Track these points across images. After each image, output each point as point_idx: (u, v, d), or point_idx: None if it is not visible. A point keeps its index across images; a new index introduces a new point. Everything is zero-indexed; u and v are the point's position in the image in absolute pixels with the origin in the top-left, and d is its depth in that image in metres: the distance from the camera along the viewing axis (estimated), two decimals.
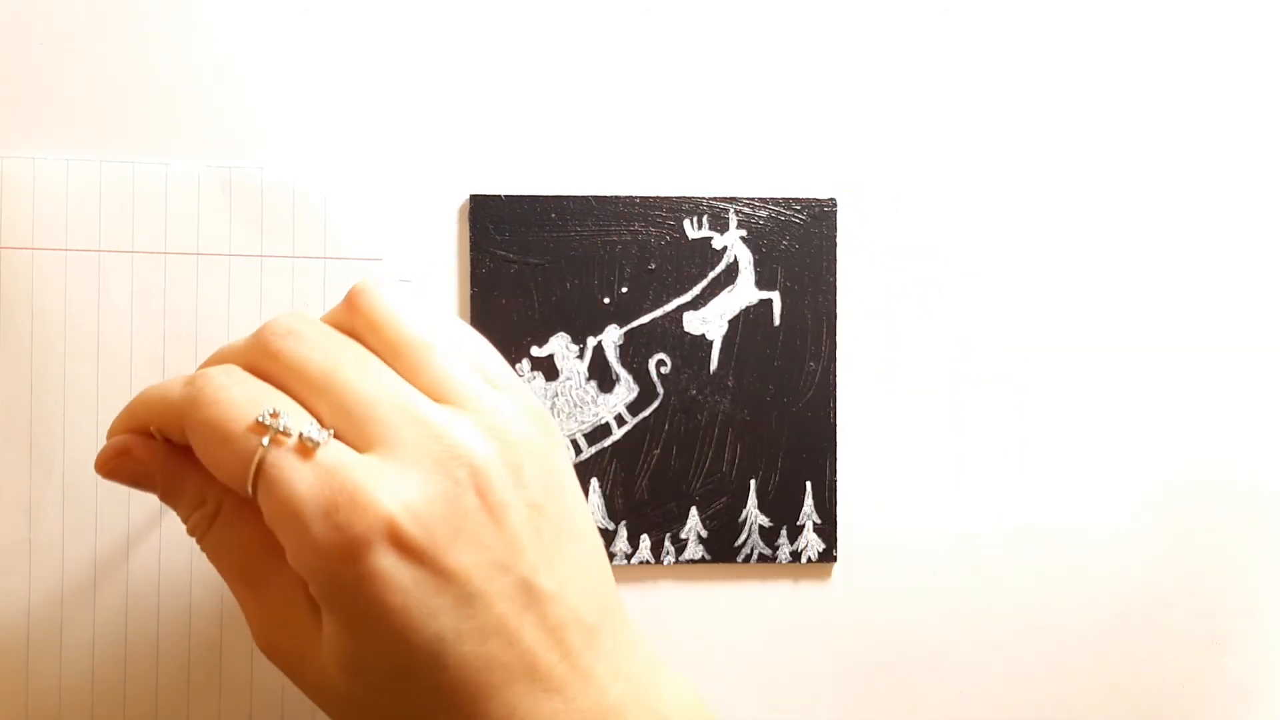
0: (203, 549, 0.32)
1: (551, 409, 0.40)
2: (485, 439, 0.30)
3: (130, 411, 0.32)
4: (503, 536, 0.29)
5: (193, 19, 0.39)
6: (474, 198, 0.39)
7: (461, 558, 0.28)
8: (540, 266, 0.40)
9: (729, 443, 0.40)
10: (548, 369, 0.40)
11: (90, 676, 0.38)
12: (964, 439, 0.41)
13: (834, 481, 0.40)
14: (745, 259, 0.40)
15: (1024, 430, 0.41)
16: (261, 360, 0.31)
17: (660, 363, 0.40)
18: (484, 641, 0.28)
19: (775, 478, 0.40)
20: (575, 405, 0.40)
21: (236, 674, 0.38)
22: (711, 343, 0.40)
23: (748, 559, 0.40)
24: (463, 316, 0.40)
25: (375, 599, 0.28)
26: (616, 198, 0.40)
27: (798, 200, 0.40)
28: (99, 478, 0.32)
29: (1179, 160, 0.42)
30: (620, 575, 0.40)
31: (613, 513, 0.40)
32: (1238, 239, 0.42)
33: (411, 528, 0.28)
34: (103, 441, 0.32)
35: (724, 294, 0.40)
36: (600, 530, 0.40)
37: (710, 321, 0.40)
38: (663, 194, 0.40)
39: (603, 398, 0.40)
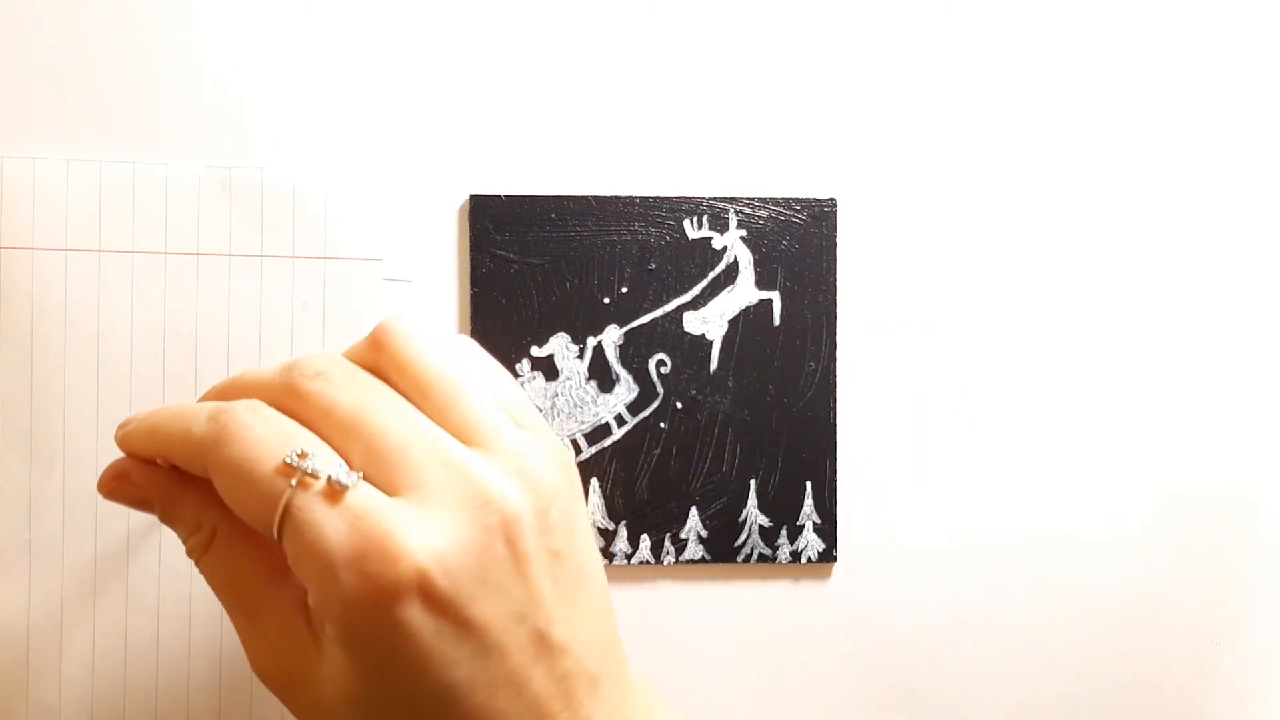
0: (200, 572, 0.32)
1: (551, 409, 0.40)
2: (516, 486, 0.29)
3: (148, 436, 0.31)
4: (525, 587, 0.29)
5: (193, 19, 0.38)
6: (474, 198, 0.39)
7: (484, 609, 0.28)
8: (540, 266, 0.40)
9: (729, 443, 0.40)
10: (548, 369, 0.40)
11: (90, 676, 0.38)
12: (964, 439, 0.41)
13: (834, 482, 0.40)
14: (745, 259, 0.40)
15: (1024, 430, 0.41)
16: (288, 400, 0.30)
17: (660, 363, 0.40)
18: (494, 692, 0.28)
19: (775, 478, 0.40)
20: (575, 405, 0.40)
21: (237, 673, 0.38)
22: (711, 343, 0.40)
23: (748, 559, 0.40)
24: (463, 316, 0.40)
25: (396, 647, 0.28)
26: (616, 198, 0.40)
27: (798, 200, 0.40)
28: (98, 478, 0.32)
29: (1181, 158, 0.41)
30: (620, 575, 0.40)
31: (613, 513, 0.40)
32: (1238, 243, 0.42)
33: (441, 581, 0.28)
34: (103, 441, 0.32)
35: (724, 294, 0.40)
36: (600, 530, 0.40)
37: (710, 321, 0.40)
38: (663, 194, 0.40)
39: (603, 398, 0.40)
